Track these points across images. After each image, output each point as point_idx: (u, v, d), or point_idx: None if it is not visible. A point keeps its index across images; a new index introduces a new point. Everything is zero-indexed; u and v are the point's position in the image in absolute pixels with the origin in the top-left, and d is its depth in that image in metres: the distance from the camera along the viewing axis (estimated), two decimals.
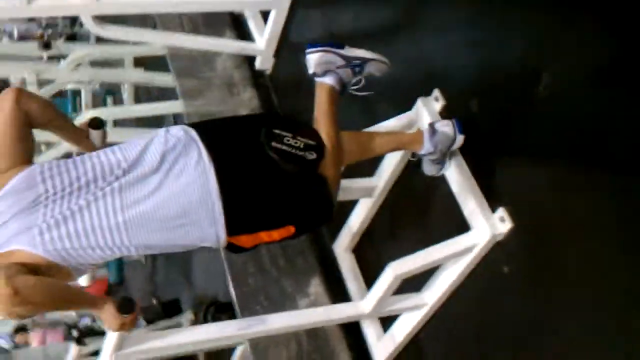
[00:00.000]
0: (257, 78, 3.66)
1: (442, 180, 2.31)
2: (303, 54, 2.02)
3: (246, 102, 3.61)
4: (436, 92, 2.36)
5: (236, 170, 1.86)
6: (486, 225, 2.12)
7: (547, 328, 2.01)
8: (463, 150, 2.24)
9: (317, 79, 2.03)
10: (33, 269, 1.69)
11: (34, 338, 7.29)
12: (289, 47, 3.42)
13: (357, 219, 2.81)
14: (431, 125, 2.22)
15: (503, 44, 2.15)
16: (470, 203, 2.18)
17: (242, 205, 1.84)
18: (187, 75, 3.90)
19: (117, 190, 1.76)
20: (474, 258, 2.18)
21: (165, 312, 5.37)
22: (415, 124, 2.38)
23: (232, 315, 4.23)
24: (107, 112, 3.98)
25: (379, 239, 2.82)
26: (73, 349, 3.87)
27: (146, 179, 1.78)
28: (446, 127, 2.21)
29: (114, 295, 2.05)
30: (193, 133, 1.88)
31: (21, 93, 1.85)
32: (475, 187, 2.20)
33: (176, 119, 4.22)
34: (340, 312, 2.36)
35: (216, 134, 1.93)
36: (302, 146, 1.92)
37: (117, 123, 3.98)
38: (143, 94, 4.87)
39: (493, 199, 2.16)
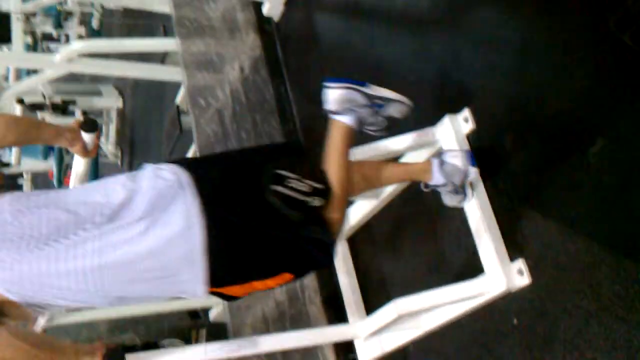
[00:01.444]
0: (262, 24, 3.36)
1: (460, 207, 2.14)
2: (324, 84, 1.80)
3: (248, 49, 3.33)
4: (466, 112, 2.14)
5: (228, 222, 1.66)
6: (502, 276, 1.98)
7: None
8: (488, 185, 2.06)
9: (334, 117, 1.82)
10: None
11: None
12: None
13: (357, 214, 2.64)
14: (439, 155, 2.04)
15: (559, 85, 1.91)
16: (488, 245, 2.02)
17: (231, 261, 1.67)
18: (187, 5, 3.57)
19: (98, 237, 1.57)
20: (482, 303, 2.06)
21: None
22: (435, 143, 2.18)
23: None
24: (96, 45, 3.64)
25: (378, 239, 2.68)
26: None
27: (129, 226, 1.59)
28: (455, 158, 2.03)
29: None
30: (184, 178, 1.67)
31: None
32: (496, 229, 2.04)
33: (164, 59, 3.92)
34: (335, 334, 2.26)
35: (210, 179, 1.72)
36: (308, 190, 1.72)
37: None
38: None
39: (513, 247, 2.01)
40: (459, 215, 2.13)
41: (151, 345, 3.83)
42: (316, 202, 1.73)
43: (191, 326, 4.31)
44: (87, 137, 1.82)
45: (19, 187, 8.65)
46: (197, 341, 4.21)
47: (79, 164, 1.90)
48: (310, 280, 2.87)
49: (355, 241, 2.76)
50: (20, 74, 4.62)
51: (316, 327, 2.62)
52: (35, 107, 5.87)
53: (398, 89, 2.43)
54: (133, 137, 6.34)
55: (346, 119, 1.82)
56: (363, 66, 2.68)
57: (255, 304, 3.07)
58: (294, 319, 2.84)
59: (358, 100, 1.82)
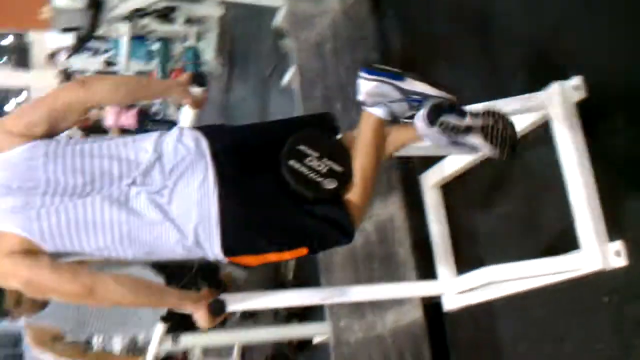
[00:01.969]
0: None
1: (561, 177, 2.08)
2: (358, 74, 1.75)
3: None
4: (577, 80, 2.04)
5: (243, 191, 1.71)
6: (598, 254, 1.94)
7: None
8: (595, 160, 1.99)
9: (365, 108, 1.77)
10: (24, 251, 1.65)
11: (108, 115, 7.54)
12: None
13: (453, 165, 2.62)
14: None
15: None
16: (587, 220, 1.98)
17: (245, 232, 1.72)
18: None
19: (125, 196, 1.68)
20: (574, 277, 2.04)
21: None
22: (541, 109, 2.10)
23: None
24: None
25: (472, 192, 2.66)
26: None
27: (153, 193, 1.68)
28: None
29: None
30: (204, 145, 1.73)
31: (84, 87, 1.76)
32: (597, 206, 1.98)
33: None
34: (424, 289, 2.30)
35: (232, 146, 1.76)
36: (324, 171, 1.73)
37: None
38: None
39: (614, 227, 1.95)
40: (561, 184, 2.08)
41: None
42: (330, 184, 1.73)
43: None
44: (197, 90, 1.88)
45: None
46: (286, 267, 4.38)
47: (187, 115, 1.96)
48: (401, 222, 2.90)
49: (449, 190, 2.75)
50: None
51: (406, 276, 2.66)
52: (140, 12, 5.99)
53: (503, 45, 2.34)
54: (233, 48, 6.38)
55: (377, 112, 1.76)
56: (467, 16, 2.57)
57: None
58: (382, 260, 2.90)
59: (391, 94, 1.74)
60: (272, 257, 1.80)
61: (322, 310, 3.28)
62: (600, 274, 1.98)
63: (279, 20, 4.03)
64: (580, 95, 2.04)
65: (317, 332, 3.32)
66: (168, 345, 3.10)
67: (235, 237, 1.70)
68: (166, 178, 1.69)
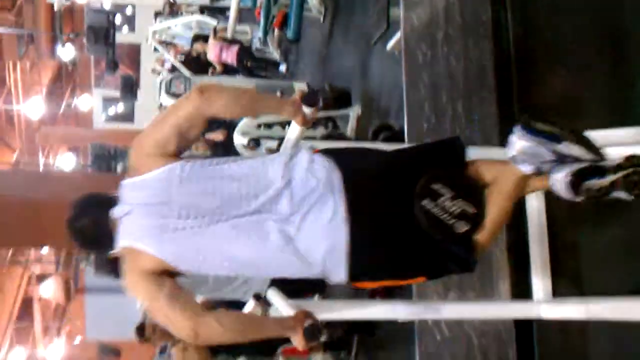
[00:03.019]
0: None
1: None
2: (514, 128, 1.67)
3: None
4: None
5: (371, 225, 1.72)
6: None
7: None
8: None
9: (514, 163, 1.71)
10: (156, 271, 1.76)
11: (211, 49, 7.66)
12: None
13: None
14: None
15: None
16: None
17: (370, 265, 1.75)
18: None
19: (252, 226, 1.72)
20: None
21: (336, 100, 5.33)
22: None
23: None
24: None
25: (577, 210, 2.55)
26: None
27: (279, 224, 1.71)
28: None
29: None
30: (335, 177, 1.74)
31: (203, 96, 1.78)
32: None
33: None
34: (517, 310, 2.26)
35: (362, 177, 1.76)
36: (457, 212, 1.70)
37: None
38: None
39: None
40: None
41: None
42: (462, 227, 1.70)
43: None
44: (307, 110, 1.87)
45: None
46: None
47: (294, 131, 1.96)
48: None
49: (553, 201, 2.65)
50: None
51: (499, 281, 2.63)
52: None
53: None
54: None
55: (526, 169, 1.70)
56: (600, 31, 2.40)
57: None
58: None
59: (544, 156, 1.66)
60: (392, 283, 1.85)
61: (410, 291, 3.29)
62: None
63: None
64: None
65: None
66: None
67: (362, 268, 1.75)
68: (295, 207, 1.72)
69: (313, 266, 1.73)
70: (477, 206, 1.71)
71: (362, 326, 4.75)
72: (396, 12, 3.87)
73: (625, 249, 2.32)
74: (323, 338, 1.89)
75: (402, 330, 3.86)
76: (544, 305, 2.23)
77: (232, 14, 7.81)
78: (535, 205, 2.68)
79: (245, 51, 7.85)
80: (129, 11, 20.78)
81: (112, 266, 1.87)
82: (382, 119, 4.62)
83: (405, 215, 1.72)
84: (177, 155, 1.83)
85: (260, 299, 2.94)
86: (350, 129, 5.30)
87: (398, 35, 4.00)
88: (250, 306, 2.98)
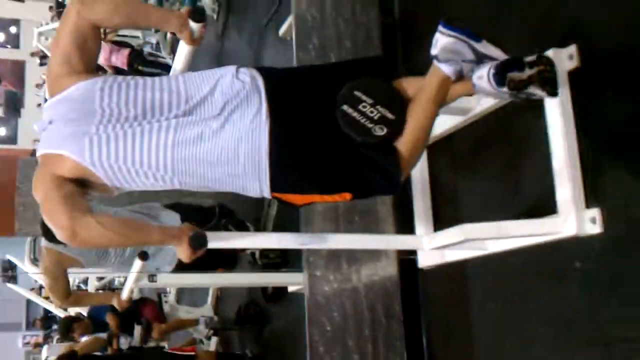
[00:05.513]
0: None
1: (545, 143, 2.12)
2: (438, 27, 1.73)
3: None
4: (572, 49, 2.06)
5: (294, 130, 1.75)
6: (574, 221, 1.99)
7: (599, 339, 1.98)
8: (579, 127, 2.03)
9: (436, 62, 1.77)
10: (78, 179, 1.75)
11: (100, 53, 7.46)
12: None
13: (441, 126, 2.64)
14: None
15: None
16: (566, 188, 2.02)
17: (292, 168, 1.76)
18: None
19: (173, 127, 1.73)
20: (549, 241, 2.09)
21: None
22: None
23: (280, 255, 4.23)
24: None
25: (457, 153, 2.69)
26: None
27: (203, 123, 1.73)
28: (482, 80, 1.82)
29: None
30: (260, 82, 1.77)
31: (82, 2, 1.78)
32: (578, 174, 2.02)
33: None
34: (403, 243, 2.34)
35: (286, 85, 1.80)
36: (376, 118, 1.76)
37: None
38: None
39: (592, 195, 2.00)
40: (545, 150, 2.11)
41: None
42: (380, 131, 1.75)
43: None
44: (195, 26, 1.87)
45: None
46: (269, 207, 4.40)
47: (182, 51, 1.96)
48: None
49: (434, 151, 2.78)
50: None
51: (385, 231, 2.71)
52: None
53: (505, 14, 2.35)
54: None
55: (447, 69, 1.77)
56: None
57: None
58: (363, 214, 2.93)
59: (465, 54, 1.74)
60: (317, 198, 1.85)
61: (299, 262, 3.33)
62: (574, 240, 2.03)
63: None
64: (573, 64, 2.06)
65: (293, 281, 3.36)
66: (145, 282, 3.13)
67: (283, 172, 1.75)
68: (219, 110, 1.74)
69: (236, 168, 1.72)
70: (397, 113, 1.77)
71: (254, 318, 4.76)
72: None
73: (499, 187, 2.45)
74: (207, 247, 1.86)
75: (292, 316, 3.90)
76: (425, 237, 2.32)
77: None
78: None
79: (136, 55, 7.73)
80: (13, 29, 20.00)
81: None
82: None
83: (328, 121, 1.75)
84: (88, 71, 1.82)
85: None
86: None
87: (289, 21, 4.09)
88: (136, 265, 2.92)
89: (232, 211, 3.87)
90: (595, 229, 1.97)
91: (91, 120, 1.73)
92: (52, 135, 1.77)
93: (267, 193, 1.78)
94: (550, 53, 2.07)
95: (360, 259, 2.94)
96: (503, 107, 2.33)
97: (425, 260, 2.73)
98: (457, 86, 1.83)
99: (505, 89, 1.74)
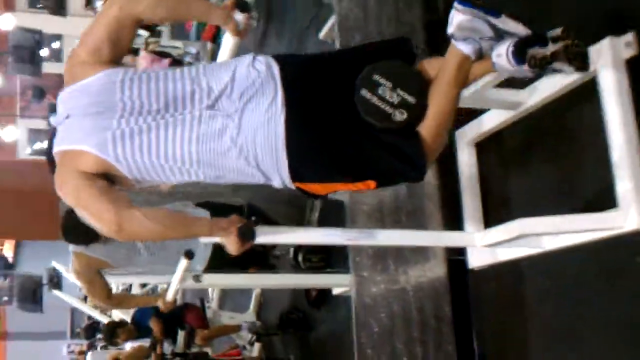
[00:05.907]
0: None
1: (603, 135, 2.04)
2: (453, 5, 1.67)
3: None
4: (630, 36, 1.99)
5: (311, 117, 1.70)
6: (636, 215, 1.91)
7: None
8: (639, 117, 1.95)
9: (453, 42, 1.71)
10: (102, 174, 1.72)
11: (141, 62, 7.57)
12: None
13: (490, 122, 2.58)
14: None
15: None
16: (627, 180, 1.94)
17: (310, 157, 1.72)
18: None
19: (197, 121, 1.70)
20: (608, 235, 2.01)
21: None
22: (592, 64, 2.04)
23: (323, 258, 4.20)
24: None
25: (507, 150, 2.62)
26: None
27: (226, 115, 1.69)
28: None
29: None
30: (275, 70, 1.72)
31: None
32: (638, 165, 1.94)
33: None
34: (451, 239, 2.29)
35: (303, 72, 1.75)
36: (396, 102, 1.69)
37: None
38: None
39: None
40: (602, 143, 2.04)
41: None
42: (400, 116, 1.70)
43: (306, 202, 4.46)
44: (239, 16, 1.85)
45: None
46: (311, 211, 4.37)
47: (228, 42, 1.94)
48: (430, 177, 2.87)
49: (484, 148, 2.72)
50: None
51: (433, 230, 2.65)
52: None
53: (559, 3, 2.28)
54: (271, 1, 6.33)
55: (465, 48, 1.70)
56: None
57: (374, 192, 3.13)
58: (410, 213, 2.88)
59: (484, 31, 1.66)
60: (340, 187, 1.80)
61: (345, 264, 3.29)
62: (636, 234, 1.95)
63: None
64: (631, 52, 1.99)
65: (339, 283, 3.32)
66: (190, 282, 3.12)
67: (301, 161, 1.71)
68: (237, 101, 1.70)
69: (254, 159, 1.70)
70: (418, 96, 1.71)
71: (298, 323, 4.72)
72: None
73: (554, 183, 2.38)
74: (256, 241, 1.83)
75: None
76: (478, 234, 2.26)
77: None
78: (465, 159, 2.77)
79: (177, 64, 7.81)
80: (56, 45, 20.44)
81: None
82: None
83: (348, 107, 1.70)
84: (112, 62, 1.79)
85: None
86: None
87: (330, 23, 4.07)
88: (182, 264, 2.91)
89: (262, 211, 3.85)
90: None
91: (112, 114, 1.71)
92: (71, 130, 1.74)
93: (289, 183, 1.74)
94: (606, 42, 2.01)
95: (408, 259, 2.88)
96: (557, 100, 2.26)
97: (476, 260, 2.66)
98: (478, 65, 1.75)
99: (525, 67, 1.66)
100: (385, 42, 1.92)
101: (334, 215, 3.79)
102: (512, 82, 2.29)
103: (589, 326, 2.16)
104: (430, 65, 1.80)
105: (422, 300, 2.82)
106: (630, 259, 1.99)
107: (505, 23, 1.66)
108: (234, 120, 1.69)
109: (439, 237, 2.31)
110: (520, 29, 1.66)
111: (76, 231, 3.27)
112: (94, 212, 1.69)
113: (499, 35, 1.67)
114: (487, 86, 2.24)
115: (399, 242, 2.21)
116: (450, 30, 1.69)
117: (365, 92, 1.69)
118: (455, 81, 1.73)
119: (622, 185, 1.95)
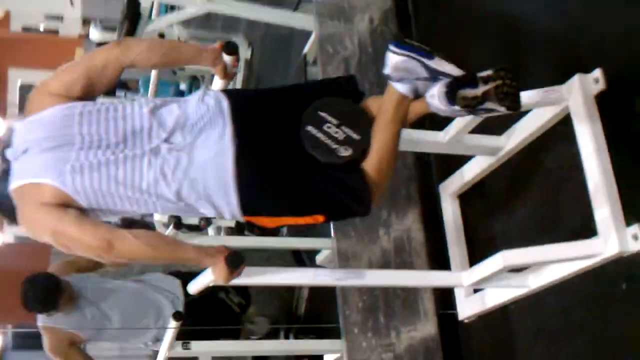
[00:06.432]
0: None
1: (579, 169, 2.11)
2: (388, 47, 1.77)
3: (379, 1, 3.35)
4: (597, 73, 2.09)
5: (259, 151, 1.76)
6: (615, 239, 1.95)
7: None
8: (611, 147, 2.02)
9: (390, 82, 1.81)
10: (57, 203, 1.73)
11: None
12: None
13: (472, 171, 2.65)
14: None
15: None
16: (604, 207, 1.99)
17: (259, 190, 1.76)
18: None
19: (154, 155, 1.73)
20: (591, 264, 2.04)
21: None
22: (562, 102, 2.14)
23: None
24: None
25: (491, 198, 2.68)
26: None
27: (179, 150, 1.74)
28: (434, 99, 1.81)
29: None
30: (224, 103, 1.78)
31: (120, 46, 1.84)
32: (614, 192, 2.00)
33: (297, 7, 4.03)
34: (438, 279, 2.30)
35: (252, 106, 1.82)
36: (341, 138, 1.77)
37: None
38: None
39: (631, 212, 1.96)
40: (577, 176, 2.10)
41: None
42: (345, 151, 1.76)
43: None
44: (227, 59, 1.94)
45: None
46: (300, 290, 4.36)
47: (217, 84, 2.03)
48: (416, 232, 2.91)
49: (467, 198, 2.77)
50: (161, 10, 4.87)
51: (421, 291, 2.66)
52: None
53: (528, 45, 2.42)
54: (259, 85, 6.50)
55: (401, 88, 1.79)
56: (494, 24, 2.66)
57: (363, 251, 3.16)
58: (399, 269, 2.89)
59: (418, 72, 1.74)
60: (289, 220, 1.84)
61: (337, 329, 3.26)
62: (617, 261, 1.98)
63: (307, 47, 4.14)
64: (599, 87, 2.09)
65: (331, 348, 3.28)
66: (179, 350, 3.07)
67: (251, 195, 1.75)
68: (187, 135, 1.76)
69: (205, 192, 1.74)
70: (362, 133, 1.78)
71: None
72: (313, 70, 4.10)
73: (537, 225, 2.43)
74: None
75: None
76: (464, 273, 2.28)
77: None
78: (450, 211, 2.82)
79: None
80: None
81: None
82: None
83: (295, 141, 1.77)
84: (79, 99, 1.83)
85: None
86: None
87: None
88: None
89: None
90: (638, 245, 1.93)
91: (71, 147, 1.74)
92: (29, 164, 1.76)
93: (239, 216, 1.78)
94: (575, 79, 2.11)
95: (400, 322, 2.87)
96: (534, 141, 2.34)
97: (465, 309, 2.65)
98: (416, 104, 1.84)
99: (457, 107, 1.73)
100: (333, 79, 2.01)
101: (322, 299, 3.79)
102: (488, 127, 2.39)
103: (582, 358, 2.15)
104: (373, 101, 1.89)
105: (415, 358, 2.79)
106: (616, 287, 2.01)
107: (439, 64, 1.73)
108: (187, 154, 1.74)
109: (426, 276, 2.32)
110: (453, 70, 1.74)
111: (35, 297, 3.23)
112: (77, 237, 1.71)
113: (434, 75, 1.75)
114: (461, 132, 2.32)
115: (387, 282, 2.23)
116: (386, 71, 1.78)
117: (310, 128, 1.76)
118: (394, 119, 1.81)
119: (600, 213, 2.00)
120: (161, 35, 4.68)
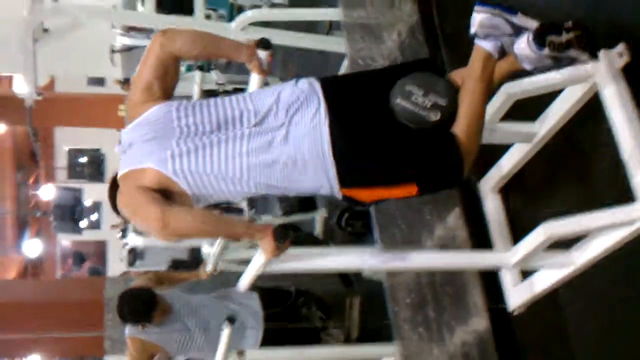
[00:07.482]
0: None
1: (611, 142, 2.16)
2: (475, 7, 1.90)
3: (405, 17, 3.49)
4: (621, 47, 2.17)
5: (353, 124, 1.87)
6: None
7: None
8: None
9: (477, 41, 1.91)
10: (161, 190, 1.88)
11: None
12: None
13: (509, 162, 2.71)
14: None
15: None
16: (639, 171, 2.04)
17: (355, 160, 1.86)
18: None
19: (247, 136, 1.87)
20: (633, 232, 2.07)
21: (301, 205, 5.55)
22: (589, 78, 2.21)
23: (365, 224, 4.34)
24: (268, 13, 3.98)
25: (530, 186, 2.74)
26: None
27: (272, 131, 1.87)
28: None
29: None
30: (317, 86, 1.91)
31: (165, 35, 1.99)
32: None
33: (332, 26, 4.20)
34: (483, 258, 2.35)
35: (341, 87, 1.96)
36: (428, 105, 1.86)
37: (273, 25, 3.97)
38: None
39: None
40: (610, 152, 2.15)
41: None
42: (434, 116, 1.85)
43: (345, 294, 4.53)
44: (262, 54, 2.07)
45: None
46: (351, 308, 4.42)
47: (254, 81, 2.15)
48: (460, 231, 2.96)
49: (508, 190, 2.83)
50: None
51: (472, 299, 2.71)
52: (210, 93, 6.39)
53: None
54: None
55: (487, 45, 1.90)
56: None
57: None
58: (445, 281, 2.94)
59: (503, 28, 1.87)
60: (384, 192, 1.94)
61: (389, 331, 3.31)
62: None
63: (342, 69, 4.28)
64: (624, 60, 2.16)
65: (384, 353, 3.32)
66: (234, 359, 3.15)
67: (347, 164, 1.86)
68: (283, 116, 1.89)
69: (304, 168, 1.85)
70: (448, 99, 1.88)
71: None
72: None
73: (578, 209, 2.46)
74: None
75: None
76: (508, 252, 2.32)
77: None
78: (491, 207, 2.87)
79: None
80: (94, 217, 21.17)
81: None
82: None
83: (385, 115, 1.88)
84: (164, 97, 2.01)
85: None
86: (319, 231, 5.48)
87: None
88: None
89: (308, 292, 3.94)
90: None
91: (171, 138, 1.91)
92: (134, 154, 1.94)
93: (336, 190, 1.88)
94: (601, 54, 2.18)
95: (451, 323, 2.90)
96: (568, 122, 2.40)
97: (515, 299, 2.67)
98: (502, 63, 1.95)
99: (546, 51, 1.84)
100: (415, 60, 2.12)
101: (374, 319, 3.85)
102: (522, 112, 2.46)
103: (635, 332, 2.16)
104: (458, 74, 2.00)
105: (468, 353, 2.81)
106: None
107: (522, 19, 1.88)
108: (282, 132, 1.87)
109: (470, 257, 2.37)
110: (535, 25, 1.88)
111: (133, 309, 3.39)
112: (143, 215, 1.86)
113: (517, 30, 1.88)
114: (493, 122, 2.40)
115: (432, 263, 2.28)
116: (473, 29, 1.90)
117: (400, 100, 1.87)
118: (482, 78, 1.91)
119: (637, 179, 2.04)
120: (199, 68, 4.86)
